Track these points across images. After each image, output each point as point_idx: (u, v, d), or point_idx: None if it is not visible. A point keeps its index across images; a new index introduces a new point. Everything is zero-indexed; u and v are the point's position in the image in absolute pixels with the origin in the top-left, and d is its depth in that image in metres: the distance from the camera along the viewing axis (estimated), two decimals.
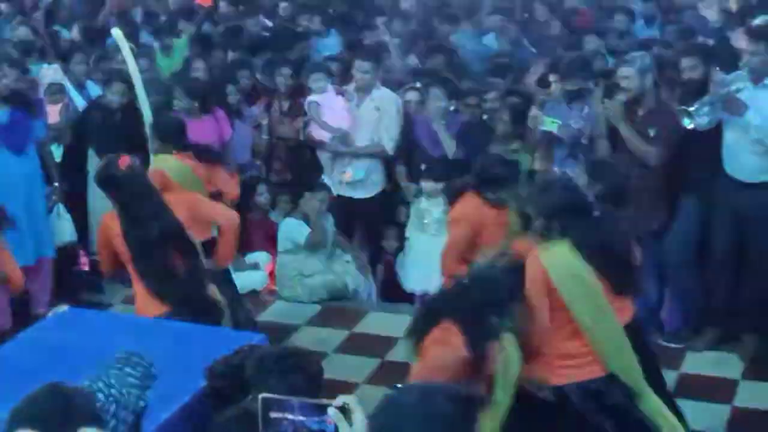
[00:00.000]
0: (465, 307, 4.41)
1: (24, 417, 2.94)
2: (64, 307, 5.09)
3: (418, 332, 4.49)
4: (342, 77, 9.14)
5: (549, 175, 7.08)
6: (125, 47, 7.92)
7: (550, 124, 7.32)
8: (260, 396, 2.58)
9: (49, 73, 8.91)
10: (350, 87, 8.63)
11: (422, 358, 4.41)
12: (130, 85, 7.96)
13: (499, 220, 5.62)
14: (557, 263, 4.71)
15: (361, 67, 8.46)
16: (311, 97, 8.51)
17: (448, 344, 4.33)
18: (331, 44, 11.02)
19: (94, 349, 4.38)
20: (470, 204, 6.01)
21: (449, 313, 4.42)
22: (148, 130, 7.61)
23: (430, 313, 4.60)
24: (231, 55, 10.16)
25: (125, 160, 5.62)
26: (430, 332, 4.42)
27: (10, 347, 4.68)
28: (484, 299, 4.42)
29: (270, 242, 8.48)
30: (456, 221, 6.12)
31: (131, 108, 8.14)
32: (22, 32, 10.18)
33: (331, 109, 8.44)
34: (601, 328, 4.75)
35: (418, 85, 8.70)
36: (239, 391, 3.80)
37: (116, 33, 8.17)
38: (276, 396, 2.60)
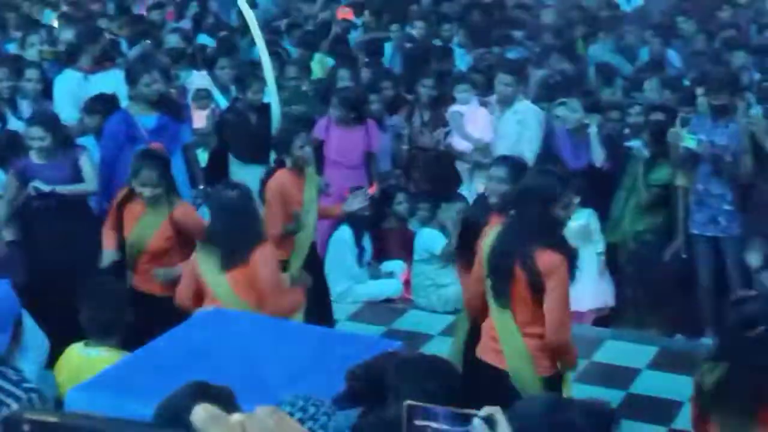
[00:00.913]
0: None
1: (167, 415, 3.02)
2: (209, 307, 5.22)
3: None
4: (484, 89, 9.17)
5: None
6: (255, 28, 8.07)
7: (689, 141, 7.20)
8: (405, 403, 2.60)
9: (197, 79, 9.15)
10: (492, 99, 8.64)
11: None
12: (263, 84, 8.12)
13: None
14: None
15: (503, 80, 8.46)
16: (455, 108, 8.55)
17: None
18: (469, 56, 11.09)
19: (237, 350, 4.51)
20: None
21: None
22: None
23: None
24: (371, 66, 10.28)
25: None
26: None
27: (155, 345, 4.80)
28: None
29: (406, 251, 8.53)
30: None
31: (267, 110, 8.32)
32: (173, 39, 10.50)
33: (473, 121, 8.47)
34: None
35: (565, 100, 8.66)
36: (377, 396, 3.84)
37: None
38: (421, 404, 2.61)
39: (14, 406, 4.30)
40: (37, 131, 6.95)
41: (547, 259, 4.82)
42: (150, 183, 6.15)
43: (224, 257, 5.36)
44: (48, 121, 7.15)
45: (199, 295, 5.46)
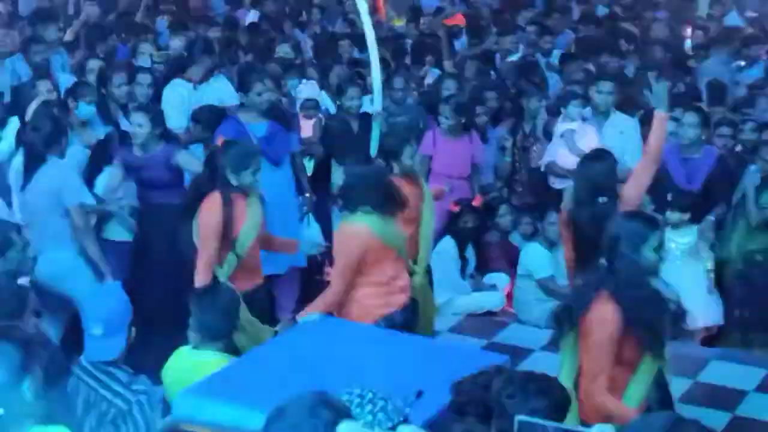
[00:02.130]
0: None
1: (287, 423, 3.04)
2: (315, 315, 5.27)
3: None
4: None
5: None
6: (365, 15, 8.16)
7: None
8: (517, 418, 2.61)
9: (306, 88, 9.23)
10: (587, 111, 8.57)
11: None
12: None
13: None
14: None
15: (603, 88, 8.39)
16: (566, 125, 8.48)
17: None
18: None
19: (342, 358, 4.54)
20: None
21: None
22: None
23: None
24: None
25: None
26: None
27: (261, 351, 4.86)
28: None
29: (509, 264, 8.50)
30: None
31: (368, 116, 8.37)
32: (283, 49, 10.63)
33: (583, 137, 8.40)
34: None
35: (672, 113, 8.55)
36: (482, 411, 3.83)
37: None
38: (532, 419, 2.61)
39: (123, 407, 4.41)
40: (137, 117, 7.17)
41: (602, 309, 4.63)
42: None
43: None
44: (149, 109, 7.33)
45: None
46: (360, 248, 5.69)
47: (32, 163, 6.65)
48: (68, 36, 10.88)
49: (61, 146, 6.76)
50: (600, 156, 6.45)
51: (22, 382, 3.41)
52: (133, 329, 4.71)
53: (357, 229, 5.73)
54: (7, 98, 8.62)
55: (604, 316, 4.57)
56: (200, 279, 5.91)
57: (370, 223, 5.72)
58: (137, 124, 7.15)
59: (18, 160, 6.95)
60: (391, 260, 5.80)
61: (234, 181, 6.07)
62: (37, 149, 6.64)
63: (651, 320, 4.66)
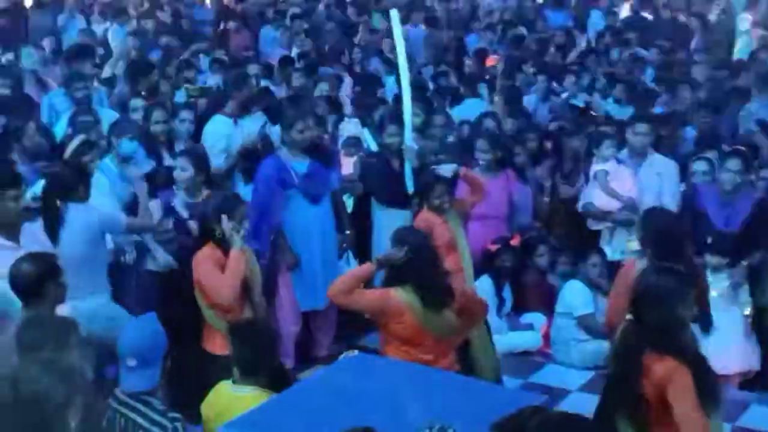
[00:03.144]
0: None
1: None
2: (354, 352, 5.29)
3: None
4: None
5: None
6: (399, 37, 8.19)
7: None
8: None
9: (349, 126, 9.29)
10: (623, 154, 8.58)
11: None
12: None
13: None
14: None
15: (640, 129, 8.40)
16: (600, 166, 8.49)
17: None
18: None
19: (381, 395, 4.56)
20: None
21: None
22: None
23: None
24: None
25: None
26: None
27: (301, 387, 4.89)
28: None
29: (546, 304, 8.49)
30: None
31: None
32: (323, 87, 10.72)
33: (618, 178, 8.40)
34: None
35: (708, 155, 8.55)
36: None
37: (393, 14, 8.41)
38: None
39: None
40: (181, 161, 7.19)
41: (661, 366, 4.59)
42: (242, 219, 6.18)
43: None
44: (194, 154, 7.34)
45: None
46: (393, 318, 5.63)
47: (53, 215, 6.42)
48: (106, 72, 11.04)
49: (80, 192, 6.58)
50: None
51: (66, 414, 3.46)
52: (168, 361, 4.78)
53: (400, 301, 5.61)
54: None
55: (671, 370, 4.53)
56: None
57: (414, 302, 5.60)
58: (181, 168, 7.16)
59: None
60: (430, 342, 5.62)
61: (221, 233, 6.09)
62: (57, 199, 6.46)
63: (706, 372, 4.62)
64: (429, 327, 5.58)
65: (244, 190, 7.80)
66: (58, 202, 6.38)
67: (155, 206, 7.17)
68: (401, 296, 5.61)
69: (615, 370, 4.80)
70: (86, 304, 6.11)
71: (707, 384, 4.57)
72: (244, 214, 6.21)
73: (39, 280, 5.14)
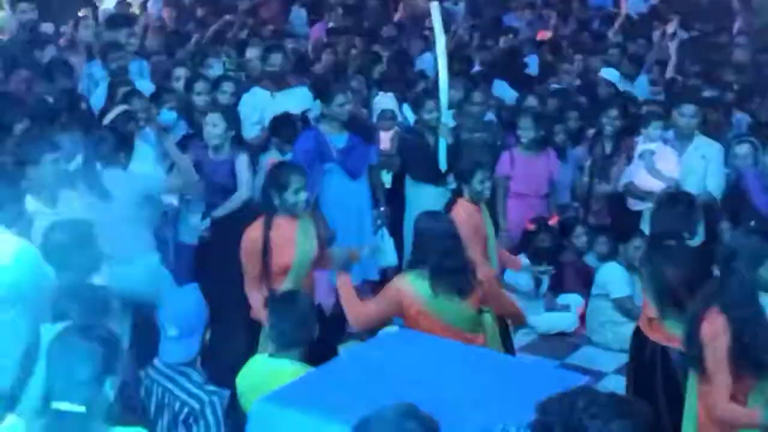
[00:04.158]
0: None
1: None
2: (394, 327, 5.22)
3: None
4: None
5: None
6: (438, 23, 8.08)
7: None
8: None
9: (384, 100, 9.22)
10: (669, 134, 8.47)
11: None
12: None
13: None
14: None
15: (687, 111, 8.28)
16: (646, 146, 8.38)
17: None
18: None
19: (421, 372, 4.48)
20: None
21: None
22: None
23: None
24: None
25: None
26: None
27: (339, 361, 4.82)
28: None
29: (583, 285, 8.40)
30: None
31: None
32: (358, 63, 10.64)
33: (662, 159, 8.29)
34: None
35: (752, 138, 8.43)
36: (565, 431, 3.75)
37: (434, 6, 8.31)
38: None
39: (196, 407, 4.41)
40: (213, 117, 7.19)
41: (713, 323, 4.68)
42: (304, 187, 6.01)
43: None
44: (225, 111, 7.33)
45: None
46: (397, 307, 5.48)
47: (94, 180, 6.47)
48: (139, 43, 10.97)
49: (121, 158, 6.64)
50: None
51: (104, 382, 3.41)
52: (209, 332, 4.73)
53: (406, 290, 5.45)
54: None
55: (715, 330, 4.60)
56: (250, 298, 5.96)
57: (421, 289, 5.44)
58: (212, 124, 7.16)
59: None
60: (438, 331, 5.34)
61: (276, 202, 5.95)
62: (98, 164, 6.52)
63: (758, 339, 4.63)
64: (439, 315, 5.40)
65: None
66: (99, 168, 6.40)
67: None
68: (407, 285, 5.46)
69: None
70: (132, 267, 6.15)
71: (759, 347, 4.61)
72: (302, 184, 6.05)
73: (70, 249, 5.07)
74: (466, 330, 5.43)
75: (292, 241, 5.90)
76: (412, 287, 5.42)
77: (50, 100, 7.92)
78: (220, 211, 7.19)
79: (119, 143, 6.64)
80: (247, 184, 7.17)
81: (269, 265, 5.88)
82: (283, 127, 8.10)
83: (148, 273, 6.24)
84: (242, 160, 7.22)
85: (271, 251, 5.86)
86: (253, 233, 5.95)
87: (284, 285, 5.84)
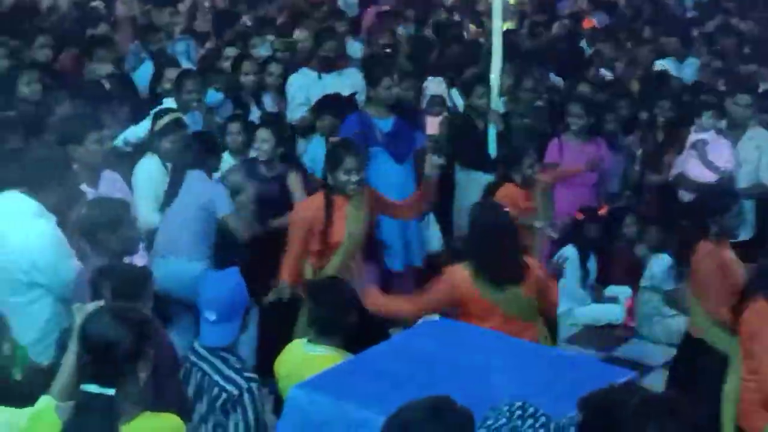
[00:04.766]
0: None
1: (405, 427, 2.96)
2: (435, 316, 5.13)
3: None
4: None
5: None
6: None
7: None
8: None
9: (433, 85, 9.12)
10: (722, 123, 8.31)
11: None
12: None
13: None
14: None
15: (741, 101, 8.13)
16: (699, 135, 8.22)
17: None
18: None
19: (462, 362, 4.39)
20: None
21: None
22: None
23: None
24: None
25: None
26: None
27: (378, 349, 4.74)
28: None
29: (632, 276, 8.25)
30: None
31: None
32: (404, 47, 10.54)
33: (716, 149, 8.14)
34: None
35: None
36: (610, 428, 3.65)
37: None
38: None
39: (234, 392, 4.35)
40: (262, 133, 7.08)
41: (758, 308, 4.84)
42: (358, 168, 6.02)
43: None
44: (276, 126, 7.22)
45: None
46: (451, 300, 5.41)
47: (179, 174, 6.62)
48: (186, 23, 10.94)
49: (208, 165, 6.67)
50: None
51: (135, 365, 3.35)
52: (248, 317, 4.67)
53: (459, 279, 5.37)
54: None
55: (762, 316, 4.73)
56: (283, 272, 5.97)
57: (477, 280, 5.32)
58: (261, 140, 7.05)
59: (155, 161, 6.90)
60: (497, 320, 5.29)
61: (330, 181, 5.99)
62: (186, 164, 6.60)
63: None
64: (497, 304, 5.31)
65: (323, 145, 7.64)
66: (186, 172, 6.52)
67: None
68: (463, 276, 5.36)
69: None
70: (179, 263, 6.21)
71: None
72: (358, 164, 6.06)
73: (104, 227, 5.01)
74: (524, 318, 5.36)
75: (342, 219, 5.99)
76: (469, 278, 5.33)
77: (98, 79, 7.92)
78: (270, 225, 7.07)
79: (210, 149, 6.69)
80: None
81: (323, 242, 5.97)
82: (329, 108, 8.01)
83: (194, 278, 6.04)
84: (294, 179, 7.12)
85: (326, 228, 5.96)
86: (312, 209, 6.02)
87: (332, 263, 5.95)
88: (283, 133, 7.26)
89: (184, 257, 6.40)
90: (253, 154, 7.25)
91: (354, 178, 5.99)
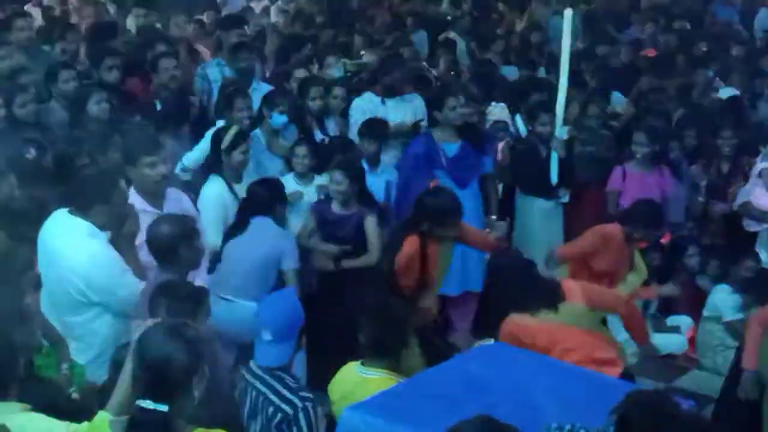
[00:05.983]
0: None
1: None
2: (490, 340, 5.12)
3: None
4: None
5: None
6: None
7: None
8: None
9: (495, 111, 9.11)
10: None
11: None
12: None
13: None
14: None
15: None
16: (765, 164, 8.13)
17: None
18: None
19: (514, 387, 4.38)
20: None
21: None
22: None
23: None
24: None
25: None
26: None
27: (432, 373, 4.75)
28: None
29: (694, 306, 8.15)
30: None
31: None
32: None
33: None
34: None
35: None
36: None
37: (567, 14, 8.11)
38: None
39: (290, 412, 4.37)
40: (337, 175, 7.01)
41: None
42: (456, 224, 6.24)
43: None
44: (350, 168, 7.12)
45: None
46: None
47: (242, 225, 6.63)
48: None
49: (275, 212, 6.68)
50: None
51: (189, 382, 3.38)
52: (304, 337, 4.70)
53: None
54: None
55: None
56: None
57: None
58: (336, 182, 7.00)
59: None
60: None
61: (425, 228, 6.13)
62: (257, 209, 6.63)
63: None
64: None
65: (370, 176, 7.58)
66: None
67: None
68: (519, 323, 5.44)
69: None
70: (237, 306, 6.27)
71: None
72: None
73: (174, 241, 5.06)
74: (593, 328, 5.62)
75: (436, 257, 6.21)
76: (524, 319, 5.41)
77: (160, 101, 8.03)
78: (344, 265, 7.09)
79: (276, 196, 6.70)
80: (377, 248, 6.98)
81: (420, 279, 6.16)
82: (371, 133, 7.93)
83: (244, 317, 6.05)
84: (371, 222, 7.07)
85: (424, 267, 6.16)
86: (410, 250, 6.16)
87: (428, 295, 6.28)
88: (357, 175, 7.18)
89: (242, 300, 6.39)
90: (318, 180, 7.29)
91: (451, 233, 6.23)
